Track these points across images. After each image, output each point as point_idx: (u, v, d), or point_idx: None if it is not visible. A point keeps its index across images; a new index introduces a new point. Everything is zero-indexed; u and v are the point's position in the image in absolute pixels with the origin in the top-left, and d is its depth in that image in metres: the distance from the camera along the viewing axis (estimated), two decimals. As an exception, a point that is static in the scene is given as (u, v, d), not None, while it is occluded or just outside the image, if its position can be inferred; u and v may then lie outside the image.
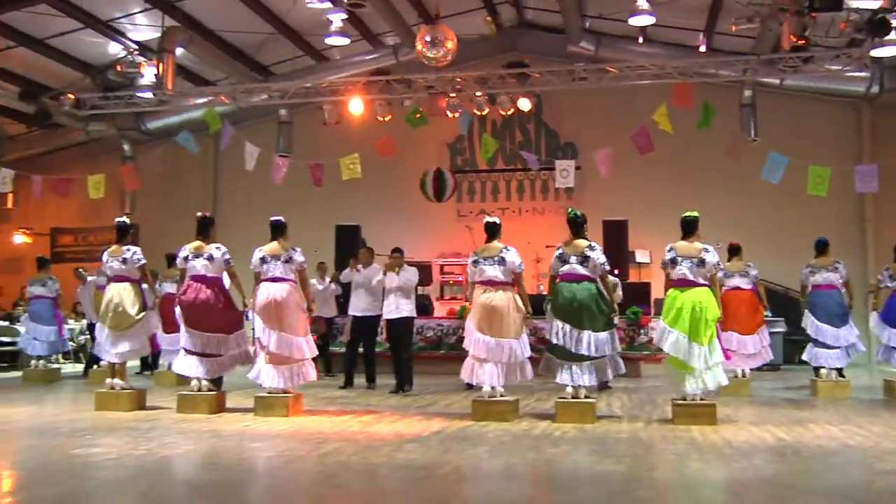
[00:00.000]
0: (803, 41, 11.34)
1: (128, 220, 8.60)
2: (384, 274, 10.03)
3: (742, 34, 12.96)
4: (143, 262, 8.43)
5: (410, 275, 10.03)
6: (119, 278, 8.34)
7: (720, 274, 7.61)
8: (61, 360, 14.15)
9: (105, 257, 8.35)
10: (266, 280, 7.78)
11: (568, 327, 7.20)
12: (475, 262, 7.54)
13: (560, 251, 7.43)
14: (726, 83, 13.91)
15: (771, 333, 12.52)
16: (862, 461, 5.67)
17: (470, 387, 9.56)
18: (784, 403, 8.84)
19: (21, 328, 13.69)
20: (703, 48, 14.30)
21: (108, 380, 8.34)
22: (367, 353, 10.54)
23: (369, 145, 12.79)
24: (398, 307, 9.87)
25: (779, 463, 5.50)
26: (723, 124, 12.57)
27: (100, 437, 6.44)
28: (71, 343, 14.20)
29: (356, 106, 13.86)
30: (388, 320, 9.98)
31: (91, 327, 12.13)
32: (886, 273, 9.59)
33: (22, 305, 15.52)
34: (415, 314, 10.20)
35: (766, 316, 10.54)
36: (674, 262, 7.19)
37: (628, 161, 13.03)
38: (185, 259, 7.99)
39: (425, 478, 5.02)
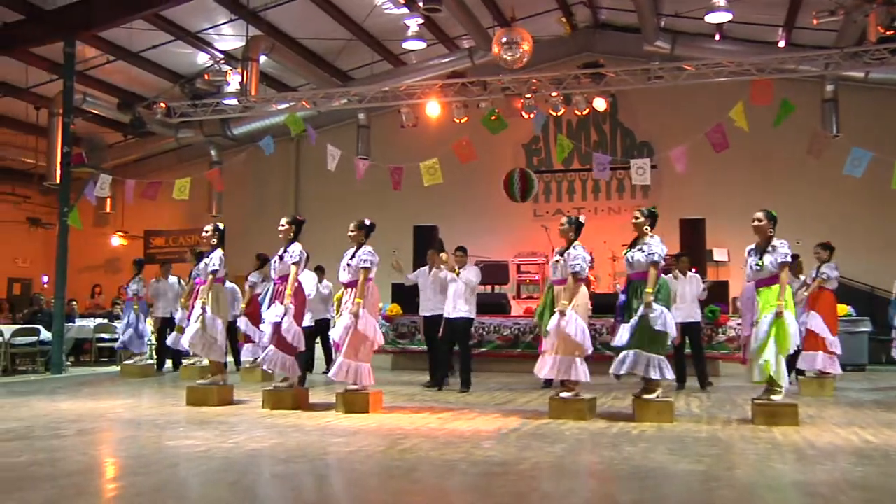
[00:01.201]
0: (892, 31, 11.02)
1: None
2: (443, 273, 10.02)
3: (824, 28, 12.64)
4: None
5: (471, 274, 9.86)
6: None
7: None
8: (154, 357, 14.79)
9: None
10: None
11: None
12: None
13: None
14: (806, 78, 13.55)
15: (856, 333, 12.33)
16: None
17: (548, 384, 9.71)
18: (870, 404, 8.54)
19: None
20: (782, 43, 14.01)
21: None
22: (462, 356, 10.10)
23: (446, 147, 12.83)
24: (456, 307, 9.76)
25: (866, 466, 5.30)
26: (803, 121, 12.31)
27: (191, 429, 6.69)
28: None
29: (433, 109, 13.96)
30: (447, 319, 9.85)
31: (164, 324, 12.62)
32: None
33: (120, 304, 16.33)
34: (474, 315, 10.00)
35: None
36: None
37: (705, 159, 12.87)
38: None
39: (503, 474, 5.04)
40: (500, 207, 16.38)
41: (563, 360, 7.25)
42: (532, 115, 13.67)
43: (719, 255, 14.74)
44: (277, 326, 7.85)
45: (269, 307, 8.12)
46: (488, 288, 14.28)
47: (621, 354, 7.13)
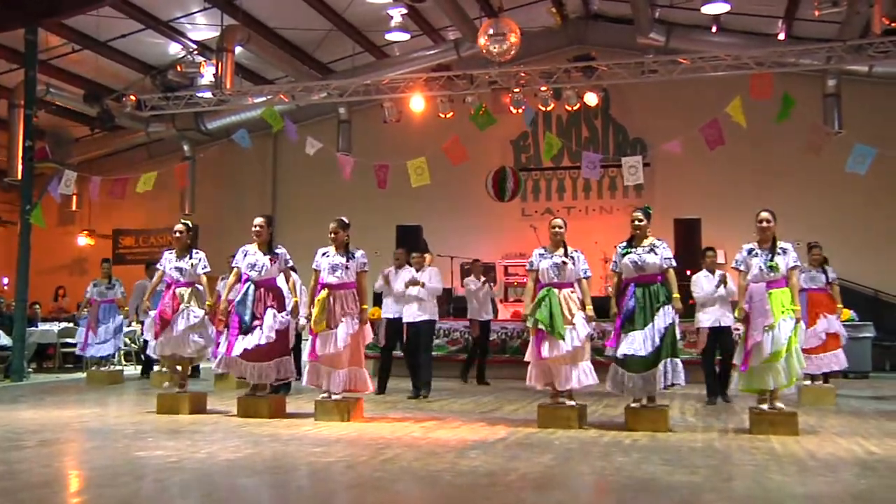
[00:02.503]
0: (897, 23, 10.69)
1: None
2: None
3: (826, 20, 12.36)
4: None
5: (431, 275, 9.66)
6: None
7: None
8: (123, 362, 14.20)
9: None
10: None
11: None
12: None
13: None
14: (807, 72, 13.23)
15: (859, 338, 11.93)
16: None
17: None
18: (874, 414, 8.31)
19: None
20: (782, 36, 13.71)
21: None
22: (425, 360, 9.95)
23: (431, 144, 12.53)
24: (419, 309, 9.53)
25: (871, 478, 5.13)
26: (804, 116, 11.93)
27: (162, 439, 6.52)
28: (133, 345, 14.25)
29: (417, 103, 13.61)
30: (407, 324, 9.65)
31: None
32: None
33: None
34: (437, 317, 9.86)
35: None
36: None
37: (701, 157, 12.49)
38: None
39: (490, 485, 4.93)
40: (487, 206, 16.03)
41: (584, 367, 7.08)
42: (521, 111, 13.23)
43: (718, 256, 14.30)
44: (283, 334, 7.68)
45: (250, 314, 7.62)
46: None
47: (659, 367, 6.77)
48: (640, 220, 7.09)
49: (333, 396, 7.49)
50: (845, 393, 9.87)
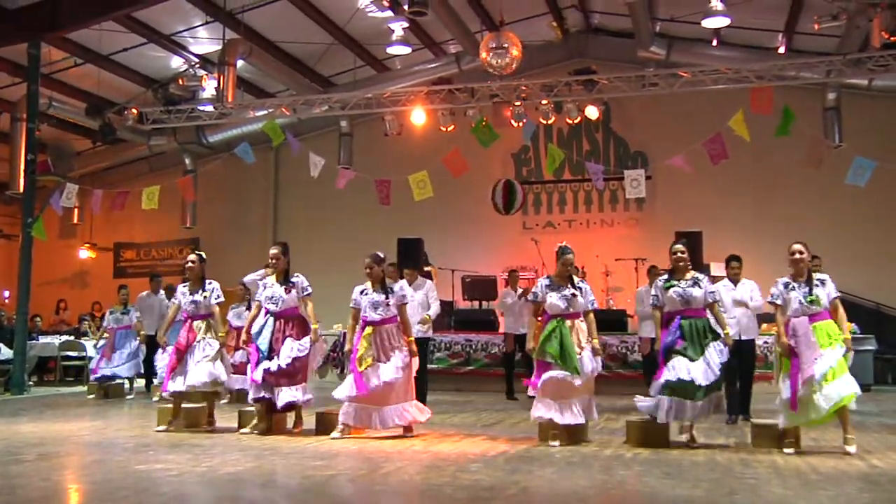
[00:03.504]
0: (896, 37, 10.69)
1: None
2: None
3: (825, 33, 12.33)
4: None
5: (424, 290, 9.52)
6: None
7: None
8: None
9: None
10: None
11: None
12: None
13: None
14: (807, 86, 13.23)
15: (861, 351, 11.84)
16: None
17: None
18: (876, 427, 8.22)
19: (89, 343, 13.79)
20: (782, 49, 13.73)
21: None
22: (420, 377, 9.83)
23: (432, 157, 12.50)
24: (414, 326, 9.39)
25: (874, 492, 5.08)
26: (804, 130, 11.90)
27: (162, 453, 6.48)
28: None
29: (418, 116, 13.62)
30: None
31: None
32: None
33: (87, 320, 15.66)
34: (430, 333, 9.70)
35: None
36: None
37: (702, 170, 12.43)
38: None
39: (491, 499, 4.89)
40: (488, 219, 15.96)
41: (590, 401, 7.07)
42: (522, 124, 13.22)
43: (717, 269, 14.13)
44: (301, 360, 7.60)
45: (267, 345, 7.60)
46: (475, 304, 13.80)
47: (708, 398, 6.72)
48: (683, 253, 7.04)
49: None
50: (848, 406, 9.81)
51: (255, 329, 7.74)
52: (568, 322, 6.97)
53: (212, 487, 5.19)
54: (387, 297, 7.44)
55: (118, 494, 4.93)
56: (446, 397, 10.91)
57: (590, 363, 6.94)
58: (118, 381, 11.82)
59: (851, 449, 6.43)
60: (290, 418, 8.00)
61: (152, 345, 11.78)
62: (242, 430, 7.66)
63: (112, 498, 4.85)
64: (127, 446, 6.89)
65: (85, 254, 18.96)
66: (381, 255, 7.69)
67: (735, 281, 8.71)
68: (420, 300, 9.44)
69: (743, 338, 8.50)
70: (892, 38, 10.69)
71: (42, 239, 12.87)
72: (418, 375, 9.37)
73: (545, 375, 6.87)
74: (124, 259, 18.74)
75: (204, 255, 8.41)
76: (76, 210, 17.35)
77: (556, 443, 6.83)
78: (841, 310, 6.68)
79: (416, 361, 7.58)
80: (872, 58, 11.28)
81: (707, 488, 5.13)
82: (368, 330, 7.40)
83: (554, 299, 7.00)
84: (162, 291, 12.27)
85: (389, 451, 6.55)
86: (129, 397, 11.74)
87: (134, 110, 13.81)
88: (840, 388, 6.40)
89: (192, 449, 6.61)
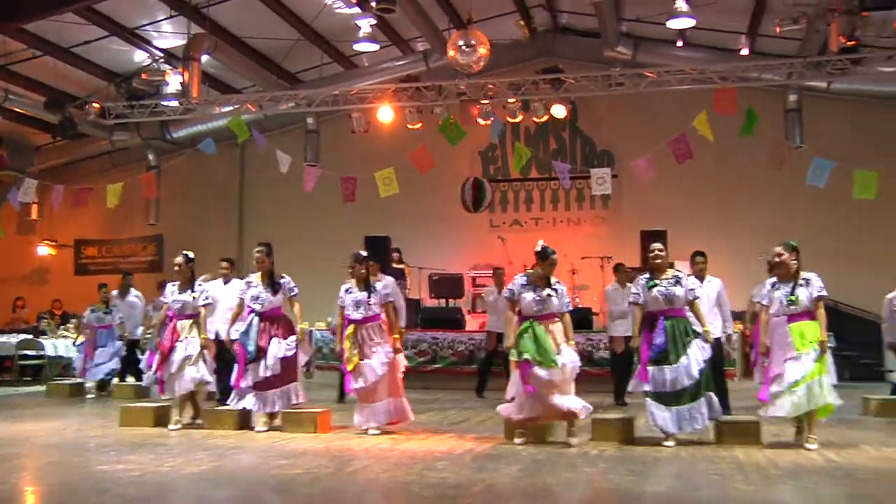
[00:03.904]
0: (853, 42, 10.90)
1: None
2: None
3: (787, 36, 12.50)
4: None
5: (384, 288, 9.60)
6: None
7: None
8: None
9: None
10: None
11: None
12: None
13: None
14: (770, 87, 13.42)
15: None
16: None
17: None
18: (833, 422, 8.21)
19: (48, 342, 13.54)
20: (745, 51, 13.89)
21: None
22: None
23: (399, 155, 12.46)
24: None
25: (830, 486, 5.30)
26: (767, 130, 12.08)
27: (124, 453, 6.40)
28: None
29: (385, 114, 13.57)
30: None
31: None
32: None
33: (46, 318, 15.39)
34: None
35: None
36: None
37: (667, 169, 12.53)
38: None
39: (457, 497, 4.92)
40: (455, 217, 15.97)
41: (573, 397, 6.97)
42: (489, 122, 13.24)
43: (682, 267, 14.33)
44: (289, 360, 7.64)
45: (254, 345, 7.61)
46: (442, 302, 13.79)
47: (696, 403, 6.73)
48: (661, 251, 7.08)
49: (371, 432, 7.39)
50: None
51: (240, 329, 7.74)
52: (541, 324, 6.83)
53: (175, 488, 5.15)
54: (369, 296, 7.53)
55: (78, 496, 4.89)
56: (413, 395, 10.58)
57: (571, 354, 6.82)
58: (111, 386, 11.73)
59: (812, 446, 6.56)
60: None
61: (131, 349, 11.86)
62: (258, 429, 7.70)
63: (71, 500, 4.82)
64: (88, 446, 6.81)
65: (44, 250, 18.52)
66: (363, 254, 7.73)
67: (701, 277, 8.70)
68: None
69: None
70: (849, 43, 10.89)
71: (-1, 235, 12.54)
72: None
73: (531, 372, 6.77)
74: (85, 256, 18.38)
75: (191, 255, 8.31)
76: (35, 206, 16.99)
77: (522, 440, 6.85)
78: (821, 310, 6.75)
79: (401, 358, 7.64)
80: (830, 61, 11.43)
81: (671, 484, 5.23)
82: (350, 329, 7.49)
83: (528, 300, 6.89)
84: (134, 291, 12.15)
85: (356, 449, 6.55)
86: (89, 396, 11.55)
87: (96, 105, 13.52)
88: (815, 398, 6.51)
89: (155, 448, 6.59)
